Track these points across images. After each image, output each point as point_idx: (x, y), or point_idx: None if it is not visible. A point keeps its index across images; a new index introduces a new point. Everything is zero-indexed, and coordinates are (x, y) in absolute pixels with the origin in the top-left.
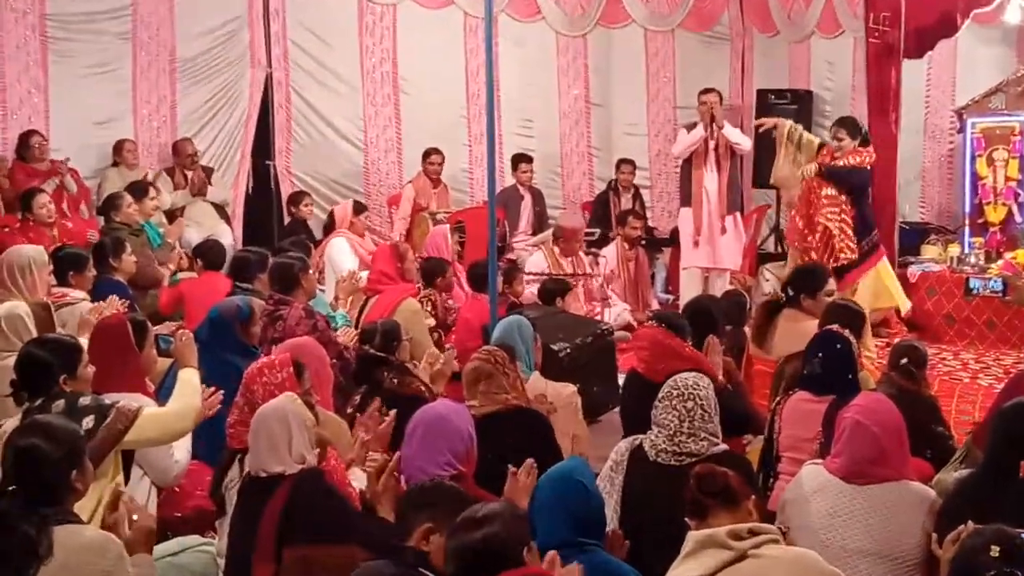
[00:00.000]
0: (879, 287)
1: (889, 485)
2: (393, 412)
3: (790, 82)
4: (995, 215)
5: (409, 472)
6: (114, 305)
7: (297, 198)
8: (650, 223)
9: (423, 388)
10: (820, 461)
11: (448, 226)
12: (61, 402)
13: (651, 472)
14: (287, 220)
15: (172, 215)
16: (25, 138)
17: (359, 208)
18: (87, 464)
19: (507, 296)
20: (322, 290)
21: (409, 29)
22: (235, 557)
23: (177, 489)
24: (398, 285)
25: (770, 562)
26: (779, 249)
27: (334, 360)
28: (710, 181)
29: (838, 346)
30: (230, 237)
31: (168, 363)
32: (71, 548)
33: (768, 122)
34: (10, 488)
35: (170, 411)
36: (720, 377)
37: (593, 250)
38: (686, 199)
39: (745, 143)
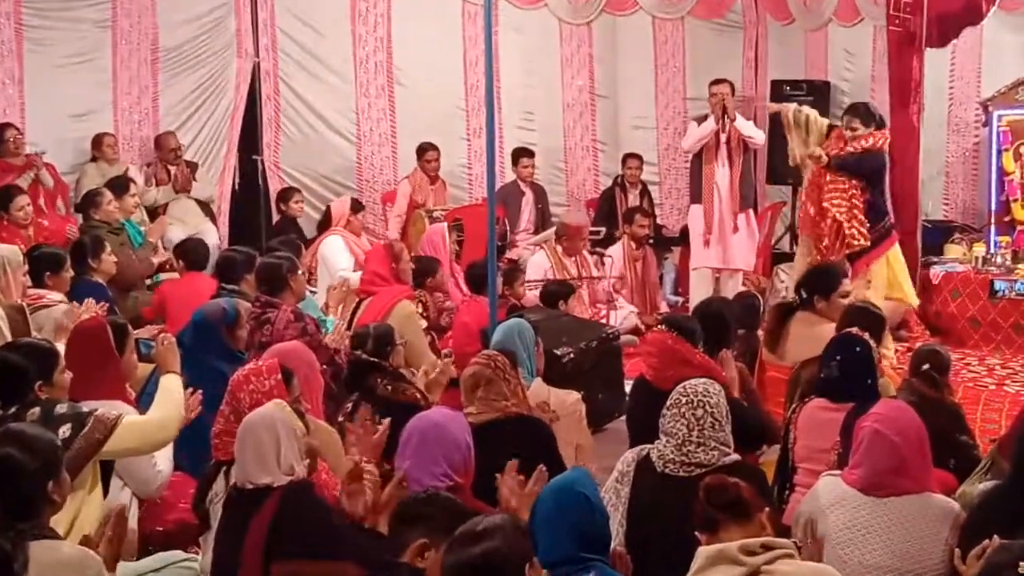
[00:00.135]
0: (891, 275)
1: (910, 498)
2: (387, 421)
3: (806, 72)
4: (1022, 213)
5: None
6: (92, 308)
7: (287, 195)
8: (659, 221)
9: (418, 395)
10: (838, 472)
11: (445, 224)
12: (36, 410)
13: (659, 483)
14: (276, 218)
15: (154, 213)
16: None
17: (357, 206)
18: (64, 476)
19: (507, 298)
20: (312, 292)
21: (404, 17)
22: (220, 574)
23: (159, 501)
24: (392, 287)
25: None
26: (795, 248)
27: (324, 366)
28: (721, 176)
29: (857, 350)
30: (215, 236)
31: (150, 369)
32: (47, 564)
33: (773, 107)
34: None
35: (151, 419)
36: (736, 392)
37: (598, 250)
38: (696, 196)
39: (758, 136)
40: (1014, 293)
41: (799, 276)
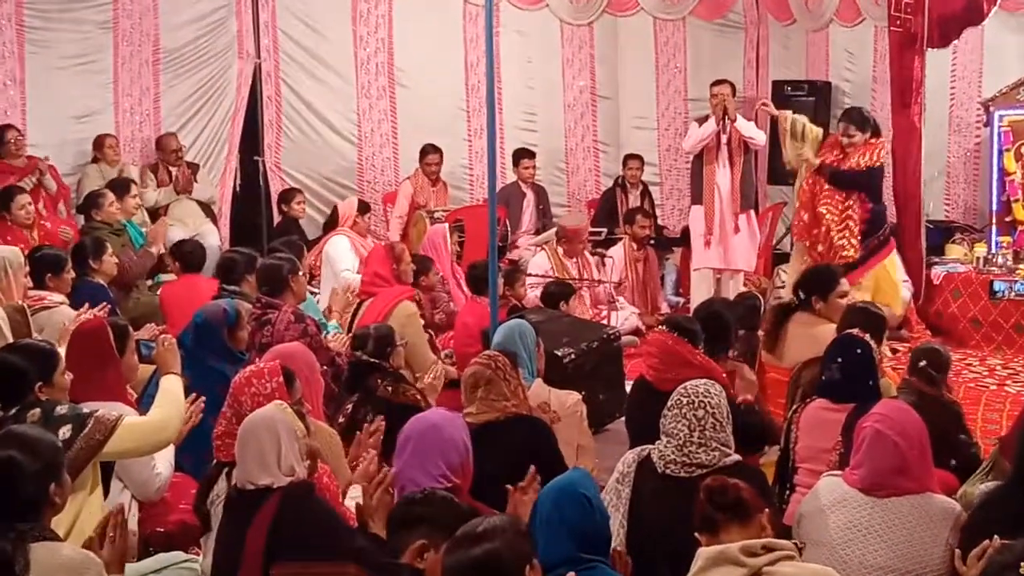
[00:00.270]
0: (883, 279)
1: (911, 498)
2: (379, 418)
3: (807, 73)
4: (1023, 213)
5: (402, 485)
6: (95, 311)
7: (288, 196)
8: (660, 222)
9: (418, 396)
10: (838, 473)
11: (447, 225)
12: (37, 411)
13: (659, 484)
14: (278, 219)
15: (155, 214)
16: (0, 133)
17: (364, 208)
18: (65, 477)
19: (508, 299)
20: (312, 292)
21: (405, 18)
22: (220, 575)
23: (160, 503)
24: (393, 287)
25: None
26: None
27: (325, 367)
28: (722, 177)
29: (858, 351)
30: (216, 237)
31: (151, 370)
32: (48, 566)
33: (771, 110)
34: None
35: (151, 420)
36: (750, 397)
37: (599, 251)
38: (697, 196)
39: (759, 137)
40: (1014, 294)
41: (795, 279)
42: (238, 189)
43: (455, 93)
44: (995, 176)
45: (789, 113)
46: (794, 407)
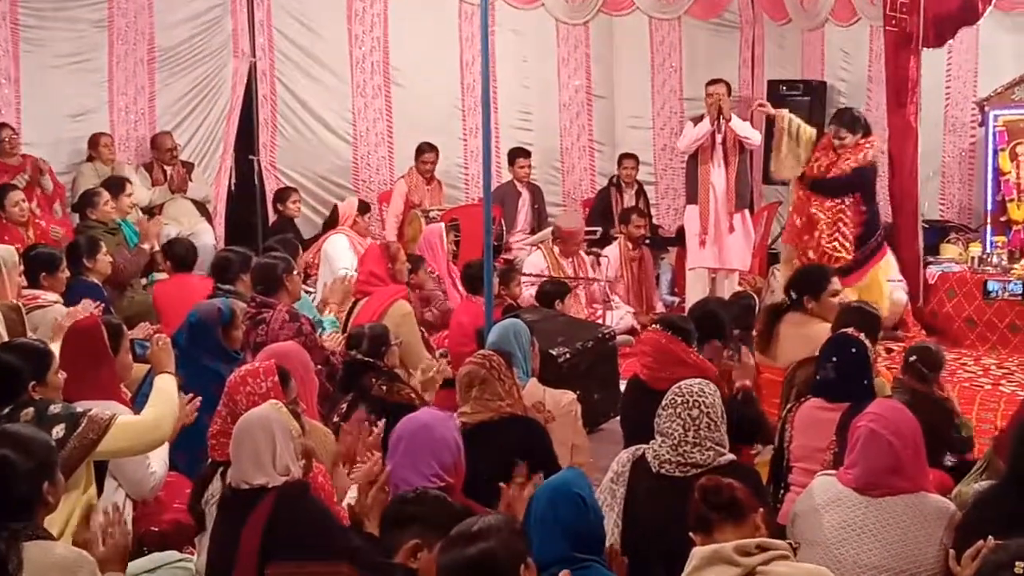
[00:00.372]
0: (873, 281)
1: (906, 497)
2: (382, 422)
3: (803, 72)
4: (1018, 213)
5: (394, 484)
6: (88, 309)
7: (284, 195)
8: (655, 221)
9: (413, 395)
10: (833, 472)
11: (443, 224)
12: (30, 410)
13: (654, 484)
14: (273, 218)
15: (150, 213)
16: None
17: (364, 208)
18: (59, 476)
19: (503, 298)
20: (307, 291)
21: (401, 16)
22: (215, 574)
23: (154, 502)
24: (388, 287)
25: None
26: None
27: (319, 366)
28: (717, 177)
29: (853, 350)
30: (211, 236)
31: (145, 369)
32: (42, 565)
33: (768, 110)
34: None
35: (145, 419)
36: (748, 383)
37: (595, 250)
38: (692, 196)
39: (754, 137)
40: (1007, 294)
41: (785, 281)
42: (233, 188)
43: (450, 92)
44: (990, 176)
45: (786, 112)
46: (788, 406)
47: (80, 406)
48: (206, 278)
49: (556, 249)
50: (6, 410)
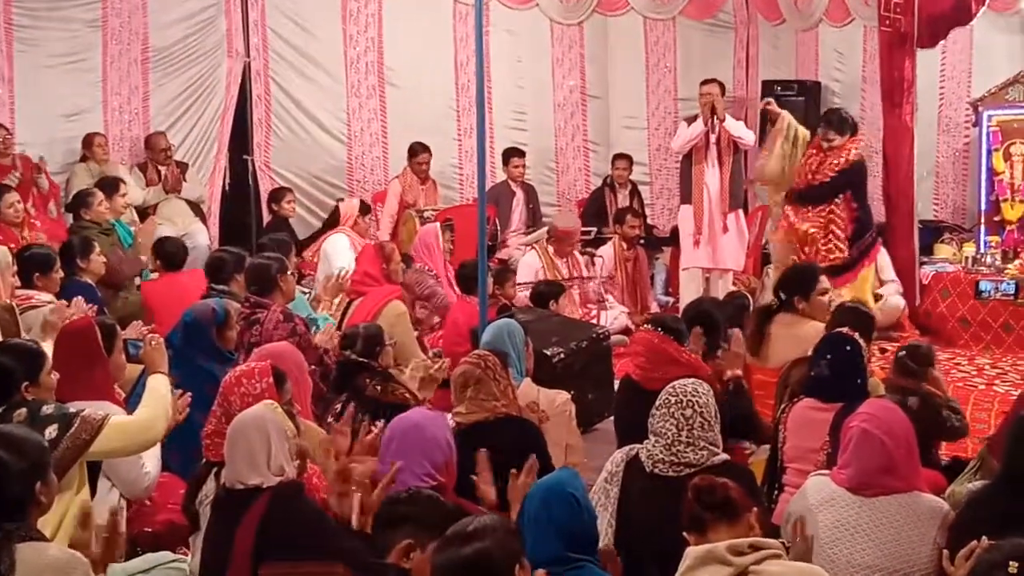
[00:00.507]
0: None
1: (899, 497)
2: (380, 423)
3: (797, 73)
4: (1012, 213)
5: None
6: (80, 308)
7: (278, 195)
8: (649, 221)
9: (407, 395)
10: (826, 472)
11: (438, 224)
12: (23, 411)
13: (648, 484)
14: (267, 218)
15: (144, 213)
16: None
17: (365, 209)
18: (52, 477)
19: (498, 298)
20: (303, 291)
21: (395, 17)
22: (208, 574)
23: (147, 502)
24: (383, 287)
25: None
26: None
27: (313, 366)
28: (711, 177)
29: (847, 348)
30: (206, 236)
31: (139, 370)
32: (35, 567)
33: (773, 109)
34: None
35: (138, 420)
36: (738, 372)
37: (589, 250)
38: (686, 196)
39: (748, 137)
40: (1000, 294)
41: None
42: (227, 188)
43: (445, 92)
44: (984, 176)
45: (788, 115)
46: (783, 406)
47: (73, 406)
48: (195, 272)
49: (551, 249)
50: None
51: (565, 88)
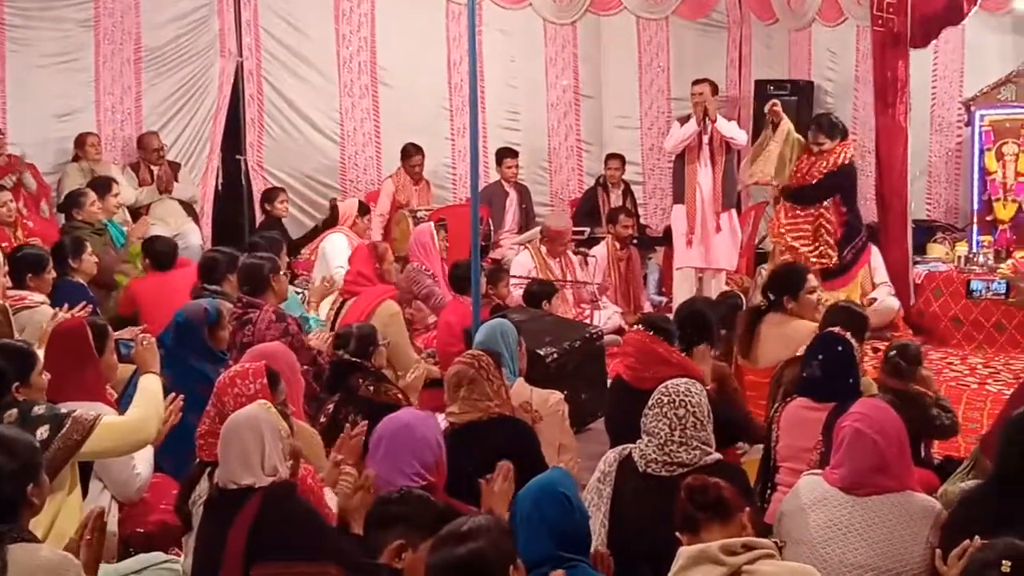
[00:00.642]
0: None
1: (891, 496)
2: (365, 423)
3: (790, 72)
4: (1004, 212)
5: (376, 485)
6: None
7: (271, 195)
8: (643, 221)
9: (400, 396)
10: (819, 472)
11: (433, 224)
12: (14, 411)
13: (640, 483)
14: (260, 218)
15: (136, 213)
16: None
17: (364, 209)
18: (44, 478)
19: (491, 298)
20: (298, 292)
21: (388, 16)
22: (201, 575)
23: (140, 503)
24: (376, 287)
25: None
26: None
27: (306, 366)
28: (704, 177)
29: (839, 348)
30: (198, 236)
31: (131, 370)
32: (26, 568)
33: (781, 112)
34: None
35: (130, 420)
36: (709, 385)
37: (582, 250)
38: (679, 196)
39: (740, 137)
40: (991, 293)
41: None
42: (220, 188)
43: (438, 92)
44: (976, 175)
45: (788, 122)
46: (775, 406)
47: (64, 407)
48: (185, 272)
49: (544, 249)
50: None
51: (558, 88)
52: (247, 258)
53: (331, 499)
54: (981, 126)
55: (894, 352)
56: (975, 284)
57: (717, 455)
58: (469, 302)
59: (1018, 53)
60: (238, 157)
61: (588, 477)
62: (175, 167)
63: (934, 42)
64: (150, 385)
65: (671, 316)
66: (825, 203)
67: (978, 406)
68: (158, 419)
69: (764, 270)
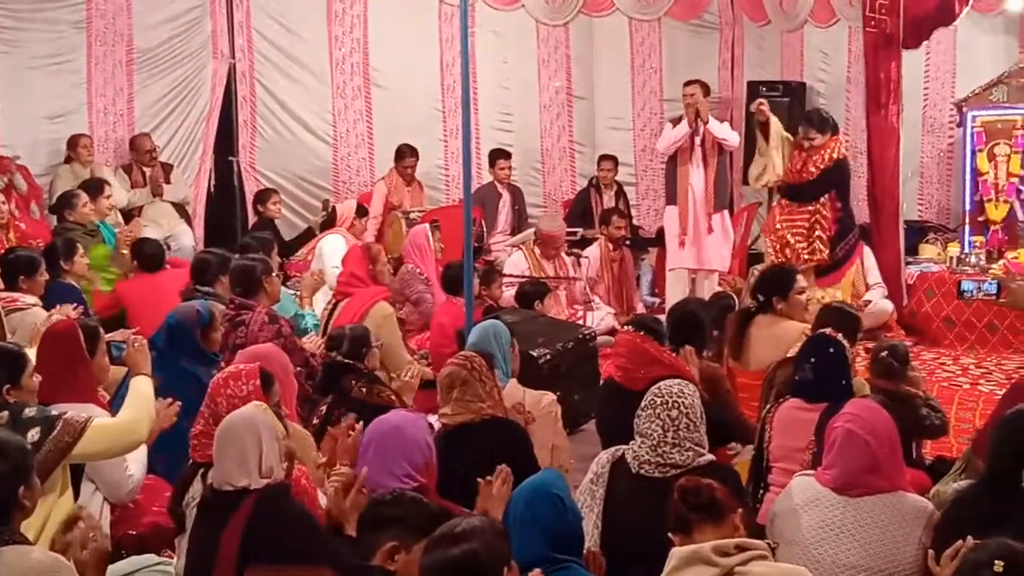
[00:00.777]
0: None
1: (884, 497)
2: (360, 424)
3: (782, 73)
4: (996, 213)
5: (368, 486)
6: (66, 312)
7: (264, 196)
8: (635, 222)
9: (393, 397)
10: (811, 472)
11: (427, 225)
12: (5, 413)
13: (633, 485)
14: (253, 219)
15: (129, 215)
16: None
17: (362, 211)
18: (35, 480)
19: (484, 299)
20: (290, 293)
21: (381, 18)
22: None
23: (132, 505)
24: (369, 288)
25: None
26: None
27: (299, 368)
28: (696, 178)
29: (831, 350)
30: (191, 238)
31: (124, 372)
32: (18, 570)
33: (764, 111)
34: None
35: (121, 422)
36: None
37: (575, 251)
38: (671, 197)
39: (732, 138)
40: (982, 294)
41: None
42: (212, 190)
43: (431, 93)
44: (968, 176)
45: (775, 120)
46: (768, 407)
47: (55, 409)
48: (173, 274)
49: (537, 250)
50: None
51: (551, 89)
52: (239, 259)
53: (324, 500)
54: (973, 127)
55: (885, 353)
56: (966, 285)
57: (710, 456)
58: (462, 303)
59: (1010, 54)
60: (231, 159)
61: (581, 478)
62: (168, 169)
63: (926, 43)
64: (141, 387)
65: (663, 317)
66: (822, 199)
67: (970, 406)
68: (149, 421)
69: (757, 271)
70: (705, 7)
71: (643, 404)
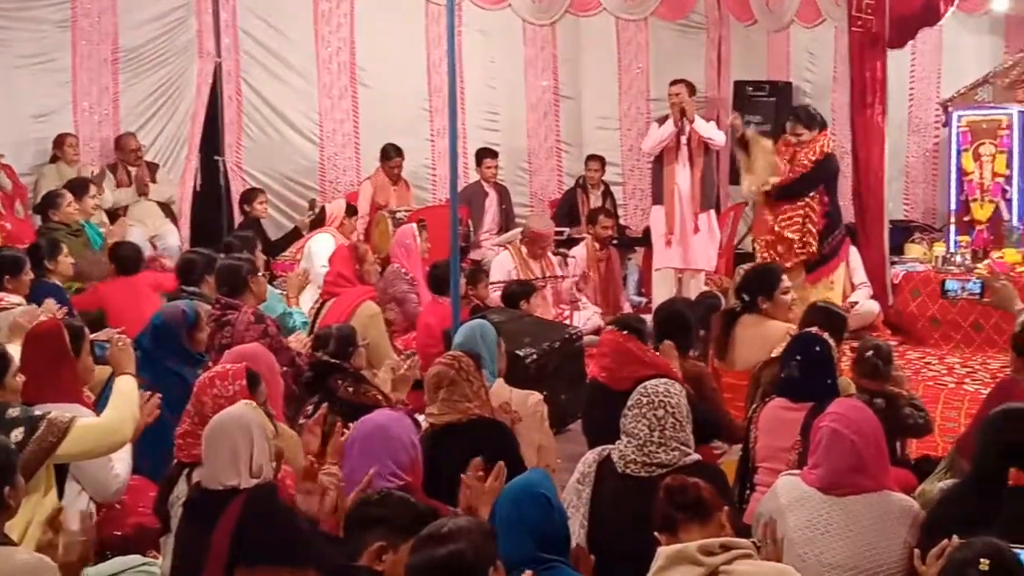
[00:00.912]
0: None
1: (869, 496)
2: (352, 424)
3: (769, 73)
4: (982, 212)
5: (352, 487)
6: (52, 309)
7: (250, 195)
8: (622, 221)
9: (379, 396)
10: (797, 472)
11: (415, 224)
12: None
13: (620, 484)
14: (239, 219)
15: (115, 214)
16: None
17: (352, 211)
18: (19, 480)
19: (470, 299)
20: (277, 292)
21: (368, 17)
22: None
23: (118, 506)
24: (356, 288)
25: None
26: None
27: (285, 367)
28: (682, 178)
29: (817, 349)
30: (177, 238)
31: (109, 372)
32: (2, 571)
33: (737, 125)
34: None
35: (105, 421)
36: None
37: (562, 251)
38: (658, 197)
39: (718, 138)
40: (966, 293)
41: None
42: (198, 189)
43: (417, 93)
44: (954, 176)
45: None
46: (754, 406)
47: (40, 409)
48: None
49: (524, 250)
50: None
51: (538, 89)
52: (225, 259)
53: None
54: (958, 127)
55: (871, 352)
56: (950, 284)
57: (696, 456)
58: (448, 303)
59: (995, 54)
60: (217, 158)
61: (567, 478)
62: (153, 168)
63: (911, 43)
64: (125, 386)
65: (650, 317)
66: (812, 194)
67: (956, 406)
68: (133, 420)
69: (743, 270)
70: (692, 7)
71: (629, 404)
